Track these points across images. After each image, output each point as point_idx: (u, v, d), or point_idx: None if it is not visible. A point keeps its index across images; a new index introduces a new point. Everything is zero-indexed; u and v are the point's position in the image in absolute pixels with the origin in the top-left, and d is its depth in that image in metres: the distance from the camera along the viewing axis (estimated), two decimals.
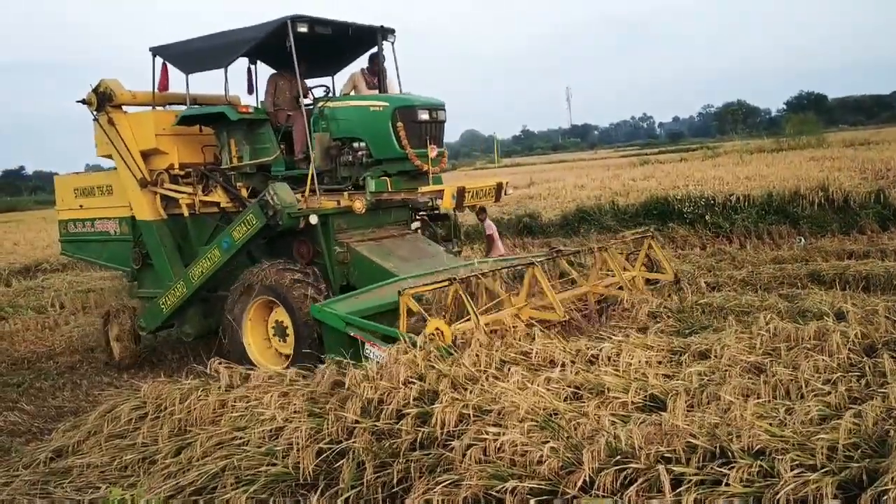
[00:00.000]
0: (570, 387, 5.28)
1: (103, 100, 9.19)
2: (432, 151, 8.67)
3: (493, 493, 4.10)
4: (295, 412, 5.44)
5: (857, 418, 4.28)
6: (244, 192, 8.74)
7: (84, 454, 5.80)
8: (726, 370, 5.45)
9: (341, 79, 10.01)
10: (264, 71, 9.73)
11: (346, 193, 8.38)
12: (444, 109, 8.97)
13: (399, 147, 8.39)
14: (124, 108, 9.39)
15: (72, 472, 5.49)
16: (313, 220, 7.98)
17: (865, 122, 75.70)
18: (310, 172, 8.30)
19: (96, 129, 9.56)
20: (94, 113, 9.35)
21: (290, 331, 7.77)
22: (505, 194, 9.08)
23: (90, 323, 12.38)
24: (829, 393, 4.82)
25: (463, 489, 4.15)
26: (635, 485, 3.93)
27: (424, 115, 8.62)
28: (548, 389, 5.17)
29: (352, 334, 6.70)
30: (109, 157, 9.61)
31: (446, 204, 8.28)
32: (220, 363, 6.70)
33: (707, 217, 15.45)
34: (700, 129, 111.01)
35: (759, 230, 14.70)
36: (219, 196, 8.85)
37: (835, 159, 21.72)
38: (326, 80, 10.05)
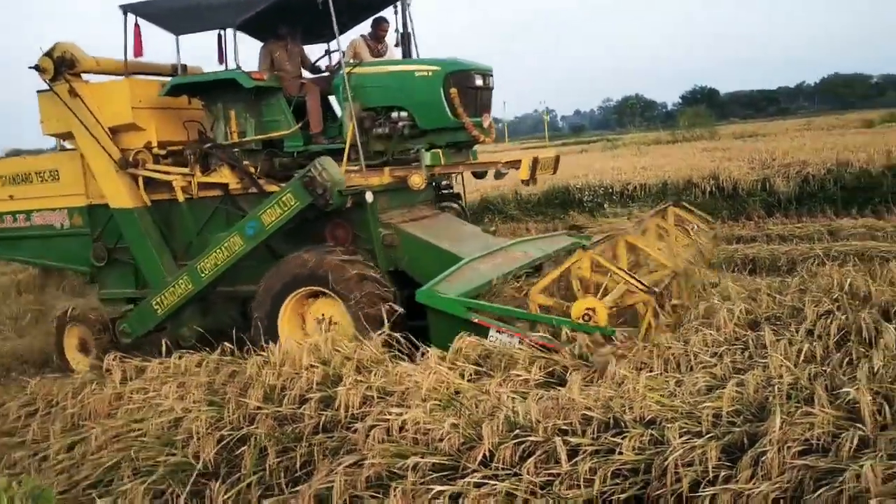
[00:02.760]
0: (473, 365, 5.38)
1: (61, 66, 7.81)
2: (486, 120, 7.91)
3: (396, 471, 4.14)
4: (194, 402, 5.35)
5: (739, 387, 4.52)
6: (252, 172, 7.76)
7: None
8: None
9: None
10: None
11: (386, 169, 7.55)
12: (492, 75, 8.18)
13: (453, 115, 7.50)
14: (83, 77, 8.12)
15: None
16: (369, 197, 7.08)
17: (754, 115, 79.32)
18: (346, 146, 7.39)
19: (44, 101, 8.20)
20: (49, 82, 7.93)
21: (340, 322, 6.95)
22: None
23: None
24: (716, 365, 5.07)
25: (365, 468, 4.18)
26: (533, 457, 4.05)
27: (479, 81, 7.84)
28: (450, 369, 5.25)
29: (475, 320, 6.03)
30: (60, 135, 8.46)
31: (523, 175, 7.40)
32: (114, 357, 6.50)
33: (605, 205, 15.93)
34: (600, 122, 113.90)
35: None
36: (225, 176, 7.71)
37: (725, 150, 22.69)
38: (323, 48, 9.08)
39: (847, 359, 4.95)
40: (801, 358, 4.95)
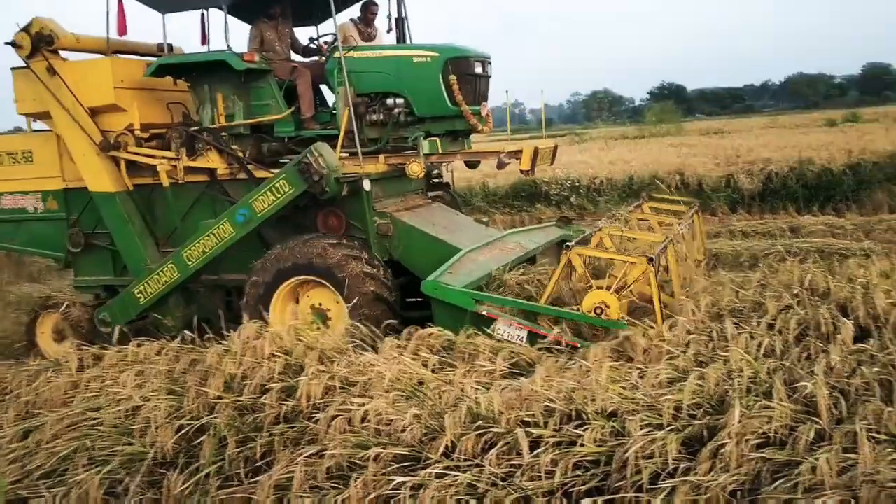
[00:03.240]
0: (437, 355, 5.37)
1: (39, 43, 7.42)
2: (484, 108, 7.67)
3: (357, 462, 4.12)
4: (153, 391, 5.25)
5: (700, 380, 4.56)
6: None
7: None
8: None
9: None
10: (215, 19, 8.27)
11: (381, 156, 7.33)
12: (491, 63, 7.94)
13: (451, 103, 7.28)
14: (62, 54, 7.71)
15: None
16: (367, 185, 6.94)
17: (720, 112, 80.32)
18: (341, 132, 7.13)
19: (19, 79, 7.80)
20: (25, 59, 7.55)
21: (334, 315, 6.80)
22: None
23: None
24: (678, 356, 5.11)
25: (326, 459, 4.15)
26: (495, 448, 4.05)
27: (478, 68, 7.58)
28: (413, 359, 5.23)
29: (484, 312, 5.93)
30: (36, 115, 8.04)
31: (524, 165, 7.20)
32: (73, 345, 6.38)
33: (572, 199, 16.01)
34: (569, 116, 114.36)
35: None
36: (212, 160, 7.44)
37: (691, 146, 22.92)
38: (311, 32, 8.80)
39: (805, 353, 5.03)
40: (762, 352, 5.02)
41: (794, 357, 4.97)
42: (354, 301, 6.51)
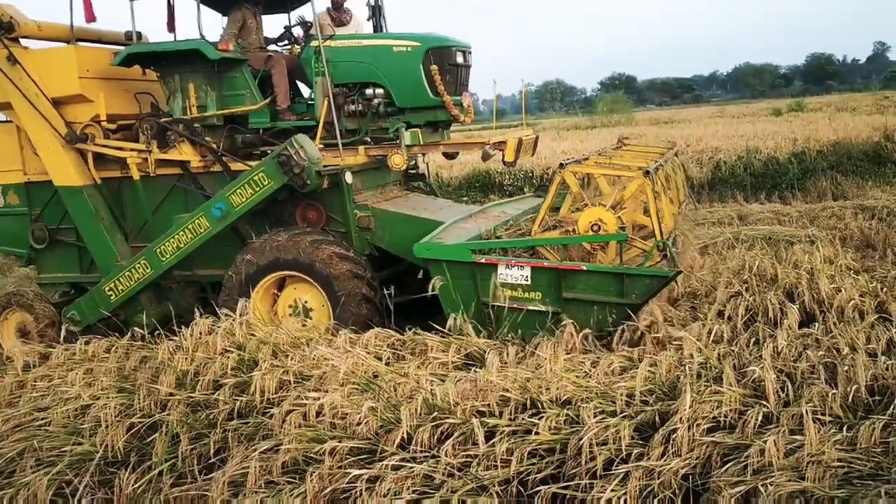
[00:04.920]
0: (390, 348, 5.36)
1: None
2: (466, 99, 7.54)
3: (312, 456, 4.09)
4: (102, 389, 5.15)
5: (652, 367, 4.64)
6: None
7: None
8: None
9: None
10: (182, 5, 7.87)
11: (360, 148, 7.19)
12: (472, 52, 7.82)
13: (433, 94, 7.17)
14: (23, 42, 7.39)
15: None
16: (349, 178, 6.79)
17: (670, 102, 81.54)
18: (320, 123, 7.00)
19: None
20: None
21: (316, 311, 6.68)
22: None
23: None
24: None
25: (281, 454, 4.12)
26: (451, 438, 4.07)
27: (460, 58, 7.45)
28: (368, 353, 5.22)
29: (482, 260, 5.82)
30: None
31: (509, 156, 7.13)
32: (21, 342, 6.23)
33: (525, 189, 16.06)
34: (521, 106, 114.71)
35: None
36: (185, 153, 7.21)
37: (641, 136, 23.14)
38: (281, 19, 8.61)
39: (754, 339, 5.15)
40: (712, 338, 5.11)
41: (742, 342, 5.09)
42: (337, 286, 6.44)
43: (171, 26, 7.63)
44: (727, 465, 3.70)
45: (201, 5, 7.26)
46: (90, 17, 7.43)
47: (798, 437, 3.76)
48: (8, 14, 7.13)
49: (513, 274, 5.71)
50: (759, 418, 3.98)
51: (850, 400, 4.13)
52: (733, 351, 4.92)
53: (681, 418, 3.95)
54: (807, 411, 3.87)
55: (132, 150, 7.25)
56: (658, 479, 3.67)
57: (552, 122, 44.52)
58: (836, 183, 14.37)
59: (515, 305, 5.70)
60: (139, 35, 7.77)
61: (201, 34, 7.18)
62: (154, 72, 7.60)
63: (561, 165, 6.11)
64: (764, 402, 4.13)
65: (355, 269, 6.51)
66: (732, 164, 15.43)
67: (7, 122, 7.83)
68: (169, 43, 7.36)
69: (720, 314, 5.68)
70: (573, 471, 3.88)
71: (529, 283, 5.66)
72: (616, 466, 3.81)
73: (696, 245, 8.39)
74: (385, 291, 6.52)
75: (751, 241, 8.76)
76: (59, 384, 5.40)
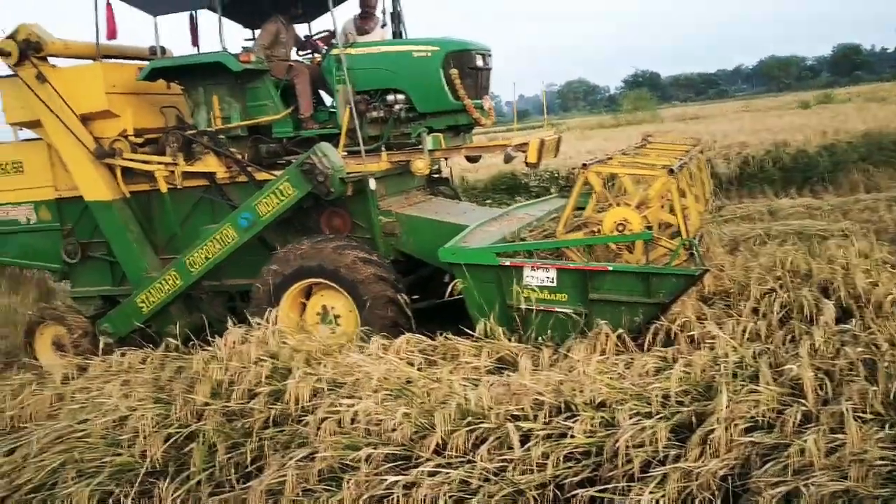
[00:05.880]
0: (422, 354, 5.37)
1: (27, 50, 7.22)
2: (486, 102, 7.59)
3: (348, 463, 4.11)
4: (139, 400, 5.21)
5: (687, 367, 4.60)
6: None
7: None
8: None
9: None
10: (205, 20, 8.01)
11: (383, 154, 7.14)
12: (492, 55, 7.82)
13: (454, 98, 7.18)
14: (51, 61, 7.52)
15: None
16: (372, 184, 6.79)
17: (694, 98, 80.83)
18: (343, 131, 7.06)
19: (6, 87, 7.61)
20: (13, 67, 7.35)
21: (344, 318, 6.69)
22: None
23: None
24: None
25: (317, 462, 4.13)
26: (486, 443, 4.06)
27: (479, 61, 7.45)
28: (400, 359, 5.23)
29: (508, 263, 5.81)
30: (25, 124, 7.81)
31: (532, 158, 7.04)
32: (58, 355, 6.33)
33: (552, 190, 15.99)
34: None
35: None
36: (211, 164, 7.29)
37: (667, 133, 22.96)
38: (304, 28, 8.53)
39: (790, 336, 5.08)
40: (746, 336, 5.06)
41: (778, 340, 5.03)
42: (364, 292, 6.43)
43: (195, 41, 7.72)
44: (767, 466, 3.66)
45: (224, 18, 7.23)
46: (112, 34, 7.48)
47: (839, 436, 3.70)
48: (35, 34, 7.24)
49: (538, 276, 5.69)
50: (798, 417, 3.93)
51: (891, 397, 4.06)
52: (769, 349, 4.86)
53: (717, 418, 3.91)
54: (847, 409, 3.81)
55: (159, 163, 7.32)
56: (696, 480, 3.64)
57: (576, 121, 44.38)
58: (869, 175, 14.15)
59: (542, 308, 5.67)
60: (163, 50, 7.82)
61: (223, 46, 7.21)
62: (178, 85, 7.66)
63: (584, 165, 6.08)
64: (802, 401, 4.07)
65: (380, 273, 6.49)
66: (761, 158, 15.25)
67: (37, 139, 7.94)
68: (192, 56, 7.43)
69: (755, 311, 5.62)
70: (610, 474, 3.85)
71: (555, 284, 5.63)
72: (653, 468, 3.77)
73: (725, 242, 8.33)
74: (404, 298, 6.52)
75: (783, 237, 8.65)
76: (97, 396, 5.46)
